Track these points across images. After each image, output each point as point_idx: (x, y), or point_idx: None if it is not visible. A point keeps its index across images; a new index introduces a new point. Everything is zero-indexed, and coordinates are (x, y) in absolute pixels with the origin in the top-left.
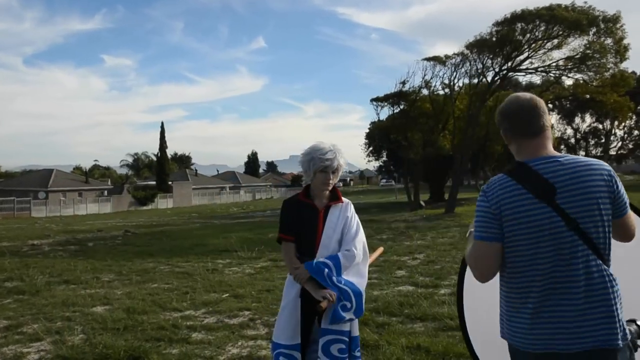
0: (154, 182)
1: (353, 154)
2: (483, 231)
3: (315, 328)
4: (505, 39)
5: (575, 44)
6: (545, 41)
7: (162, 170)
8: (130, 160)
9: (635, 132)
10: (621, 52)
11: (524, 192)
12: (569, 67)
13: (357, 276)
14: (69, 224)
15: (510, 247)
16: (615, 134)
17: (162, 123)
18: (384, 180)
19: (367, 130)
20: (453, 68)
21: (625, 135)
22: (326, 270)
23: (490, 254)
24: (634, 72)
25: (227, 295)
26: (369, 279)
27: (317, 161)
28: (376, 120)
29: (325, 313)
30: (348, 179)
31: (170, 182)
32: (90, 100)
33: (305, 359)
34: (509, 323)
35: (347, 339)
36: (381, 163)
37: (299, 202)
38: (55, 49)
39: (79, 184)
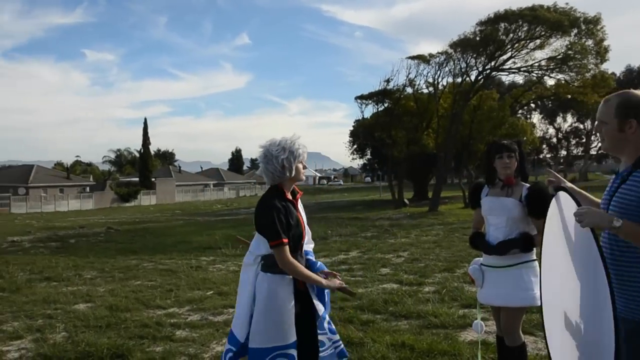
0: (136, 179)
1: (337, 151)
2: None
3: (316, 319)
4: (488, 39)
5: (557, 44)
6: (527, 41)
7: (145, 166)
8: (112, 156)
9: None
10: (602, 53)
11: None
12: (551, 67)
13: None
14: (50, 220)
15: None
16: (595, 134)
17: (145, 119)
18: (368, 178)
19: (352, 128)
20: (437, 67)
21: None
22: (318, 263)
23: None
24: (614, 74)
25: (211, 292)
26: (353, 277)
27: (296, 154)
28: (360, 118)
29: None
30: (332, 177)
31: (153, 179)
32: (71, 95)
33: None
34: None
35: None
36: (365, 161)
37: (286, 200)
38: (35, 43)
39: (60, 180)
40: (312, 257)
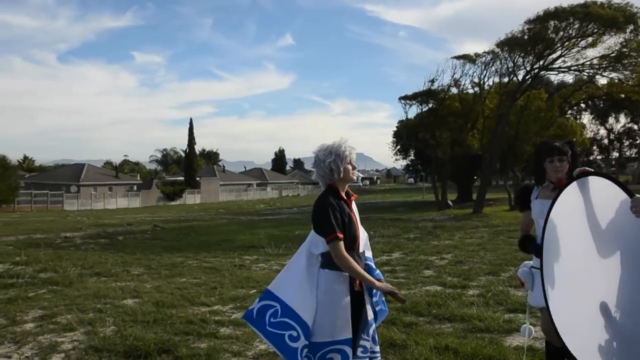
0: (182, 178)
1: (380, 152)
2: None
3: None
4: (537, 37)
5: (611, 42)
6: (579, 39)
7: (190, 166)
8: (159, 155)
9: None
10: None
11: None
12: (604, 65)
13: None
14: (100, 218)
15: None
16: None
17: (191, 119)
18: (411, 179)
19: (395, 129)
20: (483, 66)
21: None
22: (377, 271)
23: None
24: None
25: (254, 291)
26: (395, 278)
27: (343, 156)
28: (404, 118)
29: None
30: (375, 178)
31: (198, 178)
32: (120, 96)
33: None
34: None
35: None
36: (408, 162)
37: (340, 199)
38: (87, 46)
39: (109, 178)
40: (372, 264)
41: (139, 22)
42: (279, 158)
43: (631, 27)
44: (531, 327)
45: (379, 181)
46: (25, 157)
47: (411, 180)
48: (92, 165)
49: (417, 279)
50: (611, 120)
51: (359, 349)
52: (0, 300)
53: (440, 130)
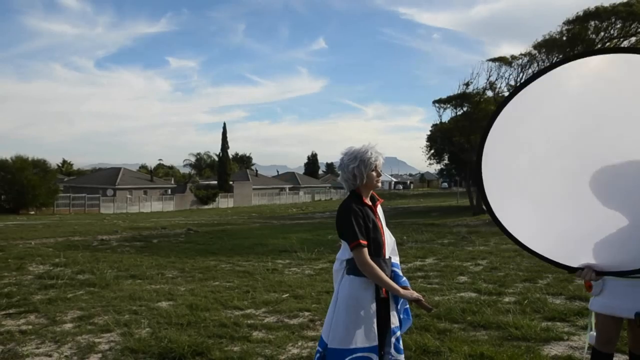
0: (215, 182)
1: (414, 156)
2: None
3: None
4: (576, 38)
5: None
6: (621, 39)
7: (223, 170)
8: (192, 159)
9: None
10: None
11: None
12: None
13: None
14: (135, 221)
15: None
16: None
17: (224, 124)
18: (445, 184)
19: (429, 133)
20: (520, 69)
21: None
22: (403, 278)
23: None
24: None
25: (287, 295)
26: (429, 284)
27: (367, 162)
28: (438, 122)
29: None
30: (408, 182)
31: (231, 182)
32: (155, 101)
33: None
34: None
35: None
36: (442, 166)
37: (364, 204)
38: (124, 52)
39: (144, 182)
40: (398, 270)
41: (174, 27)
42: (312, 162)
43: None
44: (593, 334)
45: (412, 185)
46: (64, 161)
47: (445, 184)
48: (127, 169)
49: (451, 285)
50: None
51: (387, 357)
52: (41, 301)
53: (475, 134)
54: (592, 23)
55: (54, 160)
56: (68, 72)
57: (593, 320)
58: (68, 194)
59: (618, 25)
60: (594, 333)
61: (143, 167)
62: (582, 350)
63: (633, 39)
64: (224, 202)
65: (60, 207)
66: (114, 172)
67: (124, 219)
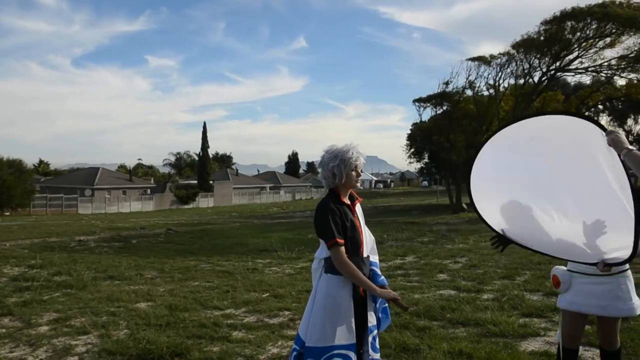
0: (195, 181)
1: (394, 155)
2: None
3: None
4: (553, 38)
5: (630, 42)
6: (597, 40)
7: (203, 169)
8: (172, 159)
9: None
10: None
11: None
12: (622, 66)
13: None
14: (114, 221)
15: None
16: None
17: (205, 123)
18: (425, 183)
19: (409, 132)
20: (498, 68)
21: None
22: (382, 276)
23: None
24: None
25: (267, 294)
26: (409, 282)
27: (348, 162)
28: (418, 121)
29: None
30: (389, 181)
31: (211, 182)
32: (134, 100)
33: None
34: None
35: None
36: (423, 165)
37: (341, 203)
38: (101, 50)
39: (123, 182)
40: (377, 269)
41: (152, 26)
42: (293, 161)
43: None
44: None
45: (392, 184)
46: (41, 161)
47: (425, 183)
48: (106, 169)
49: (430, 283)
50: (630, 121)
51: (365, 356)
52: (16, 303)
53: (454, 133)
54: (569, 23)
55: (30, 161)
56: (44, 70)
57: (561, 318)
58: (45, 195)
59: (593, 26)
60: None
61: (122, 167)
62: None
63: (608, 39)
64: (204, 202)
65: (37, 208)
66: (92, 172)
67: (103, 220)
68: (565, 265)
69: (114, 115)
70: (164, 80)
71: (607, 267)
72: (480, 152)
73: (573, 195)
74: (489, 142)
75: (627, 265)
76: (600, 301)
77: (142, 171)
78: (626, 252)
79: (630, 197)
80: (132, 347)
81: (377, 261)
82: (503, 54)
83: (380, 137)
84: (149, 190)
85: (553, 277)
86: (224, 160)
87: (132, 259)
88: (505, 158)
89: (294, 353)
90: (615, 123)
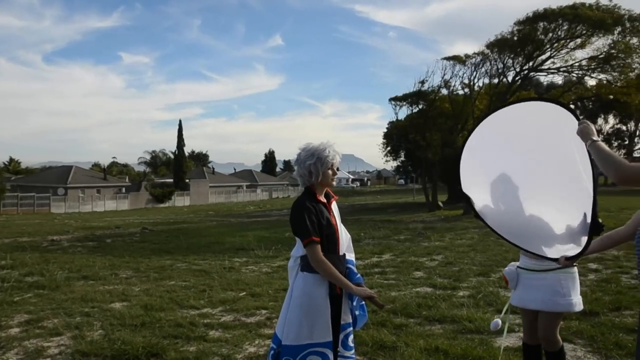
0: (171, 180)
1: (371, 153)
2: None
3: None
4: (526, 38)
5: (599, 43)
6: (568, 40)
7: (179, 168)
8: (148, 157)
9: None
10: None
11: None
12: (592, 67)
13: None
14: (88, 220)
15: None
16: (639, 135)
17: (180, 121)
18: (402, 181)
19: (385, 130)
20: (473, 68)
21: None
22: (358, 274)
23: None
24: None
25: (244, 293)
26: (386, 280)
27: (324, 160)
28: (394, 119)
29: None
30: (365, 179)
31: (187, 180)
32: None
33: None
34: None
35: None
36: (399, 163)
37: (317, 202)
38: (74, 47)
39: (97, 180)
40: (353, 267)
41: (126, 22)
42: (269, 159)
43: (619, 28)
44: (499, 320)
45: (369, 182)
46: (12, 159)
47: (402, 181)
48: (79, 167)
49: (407, 281)
50: (600, 121)
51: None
52: None
53: (430, 132)
54: (541, 24)
55: (0, 159)
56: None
57: (506, 310)
58: (16, 194)
59: (565, 27)
60: (497, 320)
61: (96, 166)
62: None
63: (578, 40)
64: (180, 201)
65: (7, 207)
66: (65, 170)
67: (76, 219)
68: (518, 261)
69: (87, 113)
70: (139, 78)
71: (569, 262)
72: (474, 132)
73: (545, 183)
74: (481, 124)
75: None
76: (541, 296)
77: (116, 170)
78: (579, 246)
79: (592, 189)
80: (106, 347)
81: (354, 259)
82: (477, 54)
83: (356, 136)
84: (123, 189)
85: (503, 277)
86: (200, 159)
87: (107, 258)
88: (491, 142)
89: (272, 352)
90: None
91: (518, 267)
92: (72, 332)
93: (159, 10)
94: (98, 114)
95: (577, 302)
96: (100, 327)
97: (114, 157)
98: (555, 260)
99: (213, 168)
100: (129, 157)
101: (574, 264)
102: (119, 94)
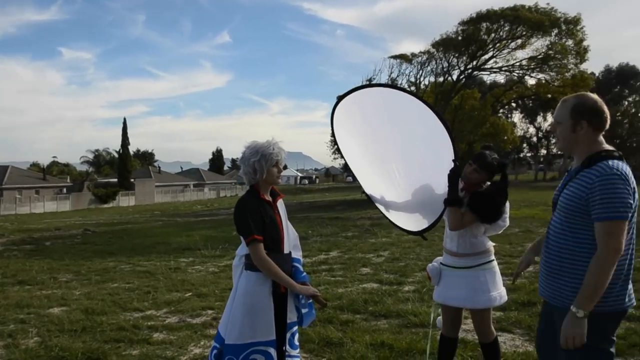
0: (115, 180)
1: (319, 151)
2: (629, 212)
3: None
4: (470, 38)
5: (538, 44)
6: (509, 41)
7: (124, 167)
8: (90, 156)
9: None
10: (581, 53)
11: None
12: (532, 67)
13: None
14: (25, 223)
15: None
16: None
17: (125, 119)
18: (350, 178)
19: None
20: (419, 66)
21: None
22: (304, 273)
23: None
24: (593, 73)
25: (190, 294)
26: (333, 277)
27: (269, 157)
28: None
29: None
30: (314, 177)
31: (132, 180)
32: (48, 94)
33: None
34: (622, 289)
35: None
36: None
37: (261, 200)
38: (8, 40)
39: (36, 181)
40: (299, 266)
41: (66, 16)
42: (217, 158)
43: (556, 30)
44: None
45: (317, 180)
46: None
47: (350, 178)
48: (16, 167)
49: (354, 277)
50: (539, 119)
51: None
52: None
53: None
54: (484, 25)
55: None
56: None
57: (435, 308)
58: None
59: (506, 28)
60: (440, 318)
61: (35, 165)
62: (472, 332)
63: (519, 41)
64: (124, 201)
65: None
66: (0, 170)
67: (12, 221)
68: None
69: (24, 110)
70: (80, 74)
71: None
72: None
73: (408, 165)
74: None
75: (491, 257)
76: (461, 293)
77: (57, 169)
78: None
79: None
80: (42, 355)
81: (301, 257)
82: (424, 53)
83: (305, 134)
84: (65, 190)
85: (427, 273)
86: (146, 158)
87: (45, 262)
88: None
89: (214, 351)
90: (527, 120)
91: (441, 263)
92: (4, 341)
93: (101, 4)
94: (36, 112)
95: (498, 296)
96: (36, 333)
97: (54, 157)
98: (416, 233)
99: (159, 167)
100: (70, 157)
101: (492, 257)
102: (59, 90)
